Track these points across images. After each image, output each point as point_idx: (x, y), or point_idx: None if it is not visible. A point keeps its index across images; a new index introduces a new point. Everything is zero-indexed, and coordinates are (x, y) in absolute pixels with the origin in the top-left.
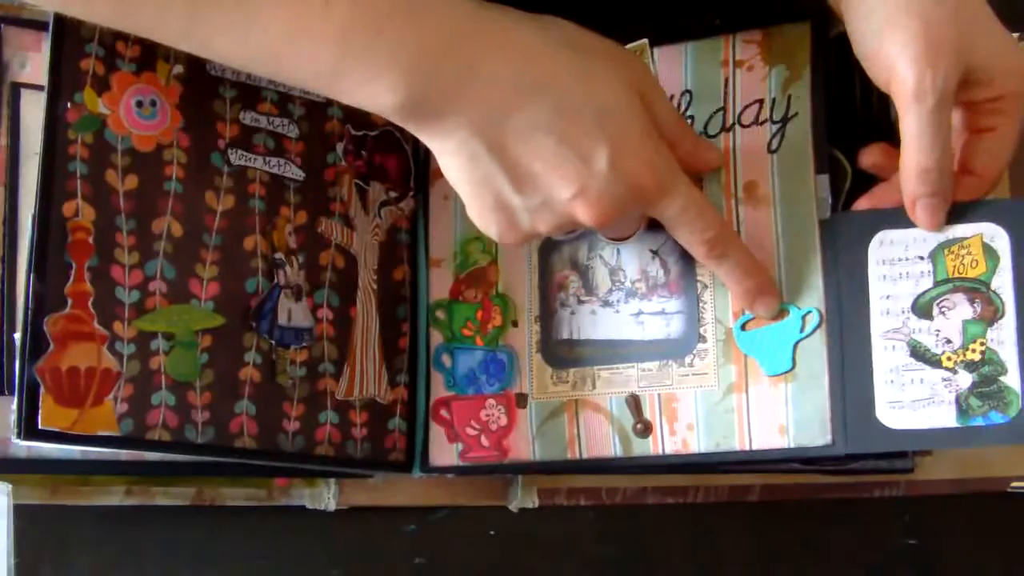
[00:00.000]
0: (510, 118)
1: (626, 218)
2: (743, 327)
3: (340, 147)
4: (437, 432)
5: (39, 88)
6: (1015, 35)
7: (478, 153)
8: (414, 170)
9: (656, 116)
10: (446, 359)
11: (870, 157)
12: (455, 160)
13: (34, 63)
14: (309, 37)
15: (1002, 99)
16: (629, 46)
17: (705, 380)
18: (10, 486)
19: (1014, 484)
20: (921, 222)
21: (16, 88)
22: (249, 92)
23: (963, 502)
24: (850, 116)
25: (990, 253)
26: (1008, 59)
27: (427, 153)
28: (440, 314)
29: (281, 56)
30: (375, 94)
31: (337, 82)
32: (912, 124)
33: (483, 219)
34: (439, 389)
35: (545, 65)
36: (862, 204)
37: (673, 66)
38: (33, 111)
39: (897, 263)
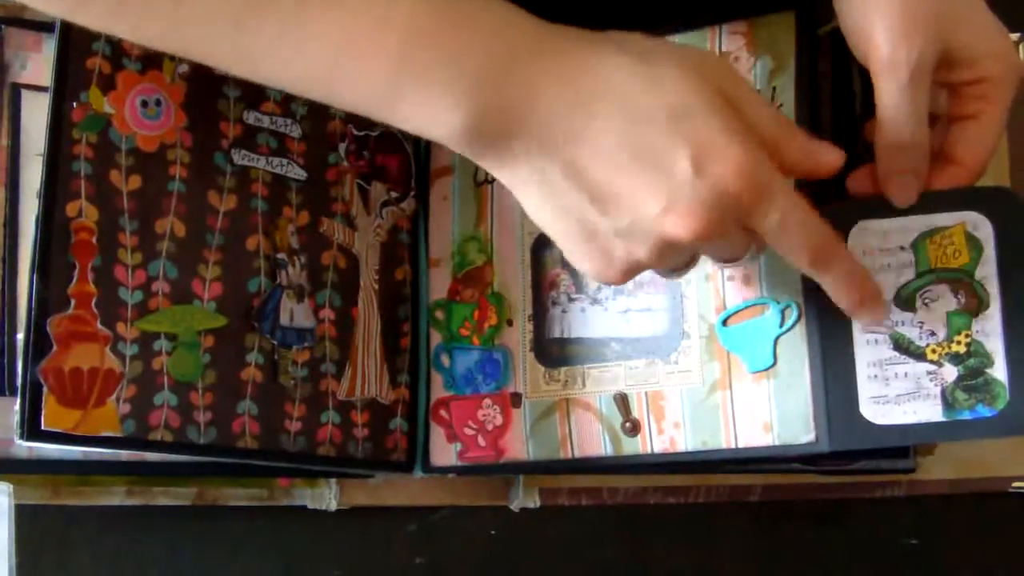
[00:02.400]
0: (579, 136)
1: (732, 235)
2: (725, 323)
3: (342, 147)
4: (437, 432)
5: (40, 89)
6: (1015, 35)
7: (553, 178)
8: (415, 170)
9: (748, 116)
10: (445, 359)
11: (860, 183)
12: (530, 190)
13: (35, 64)
14: (365, 50)
15: (984, 83)
16: None
17: (689, 378)
18: (11, 486)
19: (1015, 484)
20: (893, 198)
21: (16, 89)
22: (253, 91)
23: (964, 502)
24: (850, 116)
25: (973, 243)
26: (991, 41)
27: (427, 153)
28: (439, 314)
29: (335, 73)
30: (436, 116)
31: (396, 103)
32: (885, 97)
33: (577, 255)
34: (438, 389)
35: (610, 76)
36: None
37: None
38: (33, 112)
39: (878, 254)
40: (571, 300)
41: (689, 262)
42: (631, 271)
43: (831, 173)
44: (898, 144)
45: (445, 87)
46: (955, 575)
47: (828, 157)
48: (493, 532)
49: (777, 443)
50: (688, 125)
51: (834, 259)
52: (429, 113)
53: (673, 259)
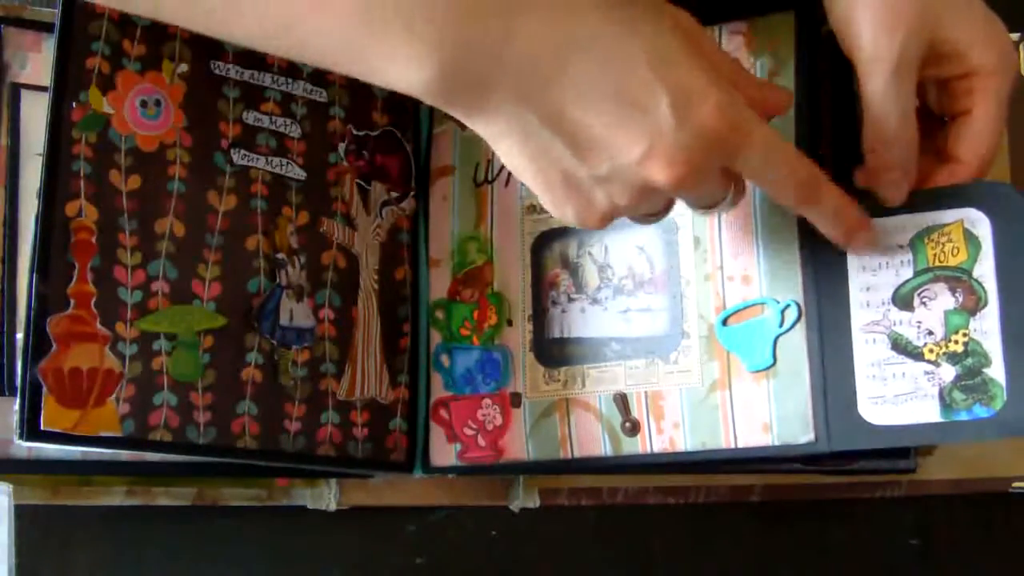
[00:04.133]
0: (558, 80)
1: (710, 180)
2: (724, 322)
3: (342, 147)
4: (437, 432)
5: (39, 89)
6: (1015, 35)
7: (531, 127)
8: (415, 170)
9: (711, 57)
10: (444, 359)
11: (867, 177)
12: (508, 141)
13: (34, 64)
14: (330, 4)
15: (975, 76)
16: None
17: (689, 377)
18: (11, 486)
19: (1016, 484)
20: (882, 197)
21: (16, 89)
22: (252, 91)
23: (965, 502)
24: (850, 116)
25: (971, 240)
26: (979, 32)
27: (428, 153)
28: (439, 314)
29: (303, 24)
30: (406, 68)
31: (364, 53)
32: (869, 92)
33: (555, 203)
34: (438, 389)
35: (585, 18)
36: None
37: None
38: (33, 112)
39: (876, 252)
40: (571, 300)
41: (667, 206)
42: (610, 216)
43: (782, 110)
44: (884, 140)
45: (414, 32)
46: (955, 575)
47: (778, 93)
48: (493, 532)
49: (776, 443)
50: (667, 70)
51: (821, 192)
52: (399, 67)
53: (652, 204)
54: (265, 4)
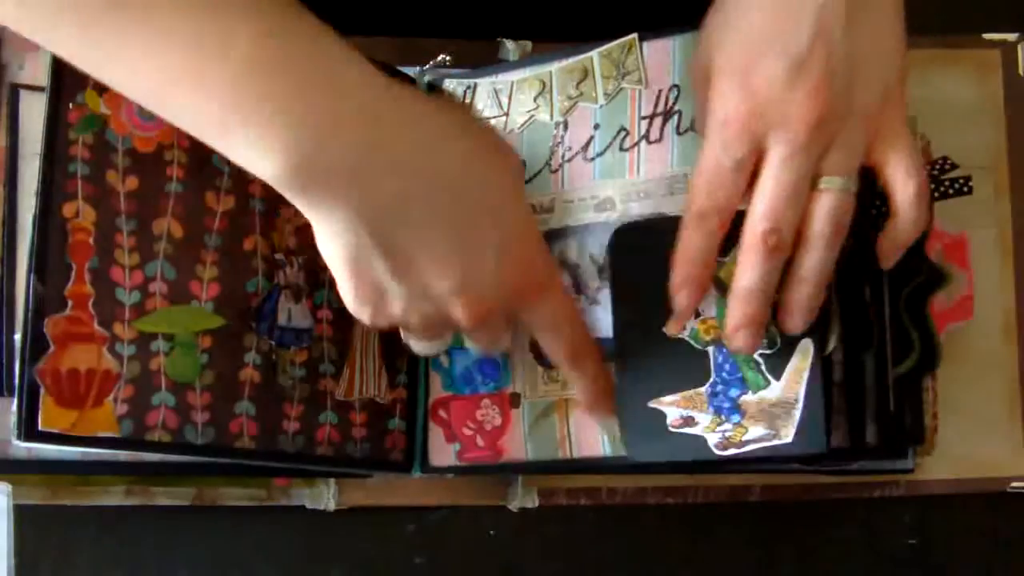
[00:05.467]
0: (402, 206)
1: (501, 326)
2: None
3: None
4: (436, 432)
5: (38, 89)
6: (1014, 35)
7: (361, 238)
8: None
9: (532, 313)
10: (443, 359)
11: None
12: (335, 241)
13: (33, 64)
14: (199, 78)
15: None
16: (617, 41)
17: None
18: (10, 486)
19: (1014, 484)
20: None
21: (15, 89)
22: None
23: (964, 502)
24: None
25: None
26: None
27: None
28: None
29: (170, 94)
30: (260, 155)
31: (224, 134)
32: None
33: (356, 302)
34: (437, 389)
35: (443, 154)
36: None
37: (662, 61)
38: (32, 112)
39: None
40: None
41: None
42: (394, 327)
43: None
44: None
45: (270, 130)
46: (955, 575)
47: None
48: (492, 532)
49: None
50: (503, 220)
51: (587, 360)
52: (253, 151)
53: (436, 332)
54: (135, 68)
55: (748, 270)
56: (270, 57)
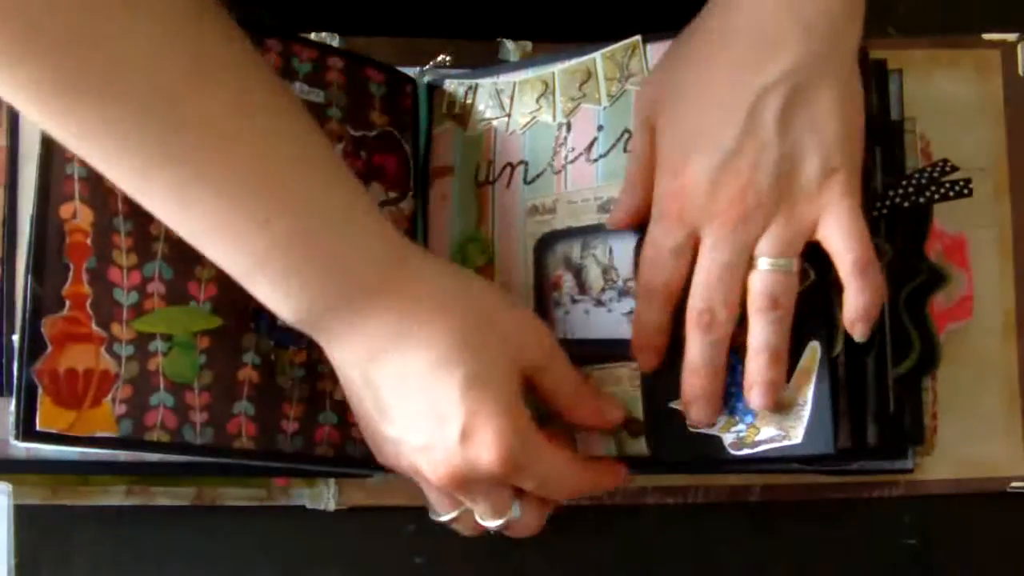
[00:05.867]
0: (385, 362)
1: (481, 496)
2: None
3: (339, 147)
4: None
5: None
6: (1014, 35)
7: (353, 380)
8: (413, 170)
9: (545, 384)
10: None
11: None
12: (340, 373)
13: None
14: (237, 238)
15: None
16: (621, 43)
17: None
18: (10, 486)
19: (1014, 484)
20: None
21: None
22: None
23: (963, 502)
24: None
25: None
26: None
27: (427, 153)
28: None
29: (208, 240)
30: (280, 308)
31: (250, 284)
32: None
33: (365, 432)
34: None
35: (437, 325)
36: None
37: None
38: None
39: None
40: (575, 302)
41: (458, 508)
42: (396, 467)
43: (612, 426)
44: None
45: (289, 293)
46: (955, 575)
47: (613, 415)
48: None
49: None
50: (473, 396)
51: (581, 490)
52: (271, 300)
53: (435, 490)
54: (184, 214)
55: (691, 347)
56: (303, 237)
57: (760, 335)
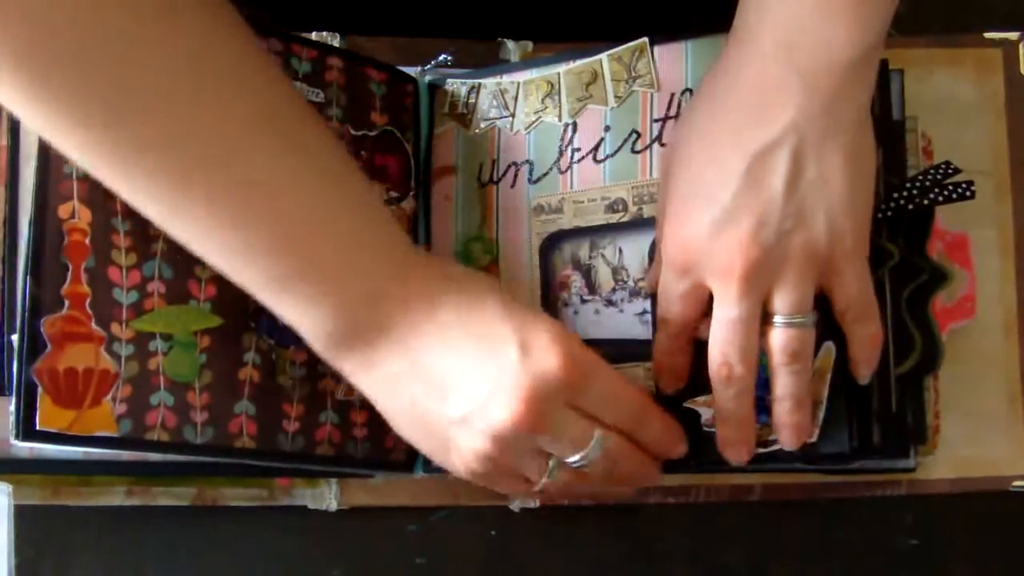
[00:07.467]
0: (424, 334)
1: (556, 422)
2: None
3: None
4: None
5: None
6: (1016, 33)
7: (401, 377)
8: (415, 170)
9: (587, 395)
10: None
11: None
12: (384, 388)
13: None
14: (268, 255)
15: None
16: (627, 45)
17: None
18: (11, 486)
19: (1016, 483)
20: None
21: None
22: None
23: (965, 502)
24: None
25: None
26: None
27: (428, 153)
28: None
29: (237, 257)
30: (309, 320)
31: (280, 297)
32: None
33: (424, 445)
34: None
35: (464, 283)
36: None
37: (674, 64)
38: None
39: None
40: (584, 302)
41: (540, 464)
42: (480, 462)
43: (678, 455)
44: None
45: (319, 305)
46: (955, 575)
47: (678, 448)
48: (493, 532)
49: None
50: (515, 310)
51: (651, 419)
52: (304, 315)
53: (515, 451)
54: (210, 235)
55: (717, 396)
56: (329, 241)
57: (783, 385)
